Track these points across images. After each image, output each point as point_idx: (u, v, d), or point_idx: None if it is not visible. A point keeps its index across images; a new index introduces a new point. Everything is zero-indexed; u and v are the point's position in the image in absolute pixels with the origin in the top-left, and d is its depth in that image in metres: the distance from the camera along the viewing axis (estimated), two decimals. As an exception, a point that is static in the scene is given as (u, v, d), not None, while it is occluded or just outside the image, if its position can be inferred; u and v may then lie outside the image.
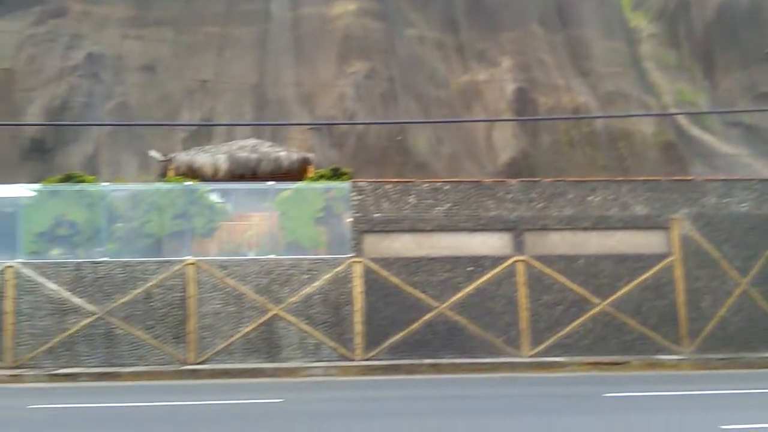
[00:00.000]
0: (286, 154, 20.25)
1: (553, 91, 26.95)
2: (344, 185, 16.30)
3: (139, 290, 14.73)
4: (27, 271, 14.67)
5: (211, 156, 19.88)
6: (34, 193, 15.97)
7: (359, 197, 15.75)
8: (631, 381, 12.81)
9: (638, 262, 15.53)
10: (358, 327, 14.92)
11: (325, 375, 14.10)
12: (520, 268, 15.41)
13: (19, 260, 14.94)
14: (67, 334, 14.46)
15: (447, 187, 16.00)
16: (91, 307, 14.57)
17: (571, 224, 15.78)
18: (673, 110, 26.24)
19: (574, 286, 15.32)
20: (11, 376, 13.76)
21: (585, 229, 15.79)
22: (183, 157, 19.97)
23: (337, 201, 16.26)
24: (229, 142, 21.83)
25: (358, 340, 14.88)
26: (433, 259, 15.48)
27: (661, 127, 26.03)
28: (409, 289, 15.20)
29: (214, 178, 19.11)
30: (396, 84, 27.16)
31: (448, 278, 15.36)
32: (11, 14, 27.10)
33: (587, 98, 26.85)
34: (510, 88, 26.83)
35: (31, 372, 13.95)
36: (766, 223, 15.86)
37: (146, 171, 22.75)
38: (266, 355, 14.69)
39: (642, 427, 8.58)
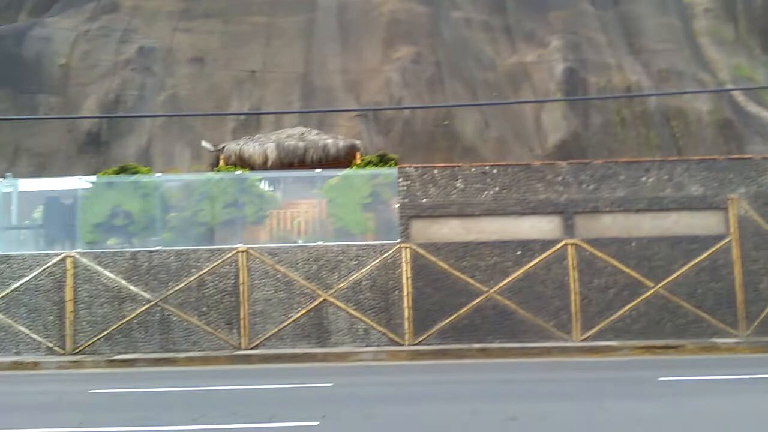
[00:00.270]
0: (333, 142, 20.37)
1: (603, 70, 26.29)
2: (391, 171, 16.32)
3: (192, 278, 15.09)
4: (85, 261, 15.19)
5: (260, 145, 20.15)
6: (90, 185, 16.51)
7: (406, 183, 15.74)
8: (686, 365, 12.52)
9: (693, 243, 15.11)
10: (407, 312, 14.97)
11: (374, 360, 14.21)
12: (571, 252, 15.19)
13: (78, 250, 15.47)
14: (124, 321, 14.95)
15: (495, 171, 15.86)
16: (146, 295, 15.02)
17: (624, 206, 15.45)
18: (729, 87, 25.31)
19: (627, 269, 15.02)
20: (72, 362, 14.32)
21: (638, 210, 15.44)
22: (233, 147, 20.31)
23: (384, 187, 16.29)
24: (278, 131, 22.09)
25: (407, 326, 14.94)
26: (481, 243, 15.39)
27: (717, 105, 25.13)
28: (457, 273, 15.15)
29: (263, 166, 19.38)
30: (442, 68, 26.92)
31: (496, 263, 15.25)
32: (66, 11, 27.92)
33: (639, 76, 26.09)
34: (559, 68, 26.28)
35: (91, 358, 14.48)
36: (830, 202, 15.22)
37: (198, 161, 23.21)
38: (316, 340, 14.90)
39: (700, 412, 8.39)
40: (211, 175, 17.22)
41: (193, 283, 15.08)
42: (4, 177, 17.59)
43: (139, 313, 14.95)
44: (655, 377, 11.00)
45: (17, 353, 14.85)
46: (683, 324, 14.83)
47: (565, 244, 15.23)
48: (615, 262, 15.07)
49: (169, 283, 15.07)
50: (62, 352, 14.87)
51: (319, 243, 15.63)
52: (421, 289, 15.10)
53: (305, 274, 15.15)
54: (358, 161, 19.45)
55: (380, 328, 14.95)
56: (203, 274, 15.12)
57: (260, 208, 16.59)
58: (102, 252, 15.39)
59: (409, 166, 16.22)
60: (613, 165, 15.84)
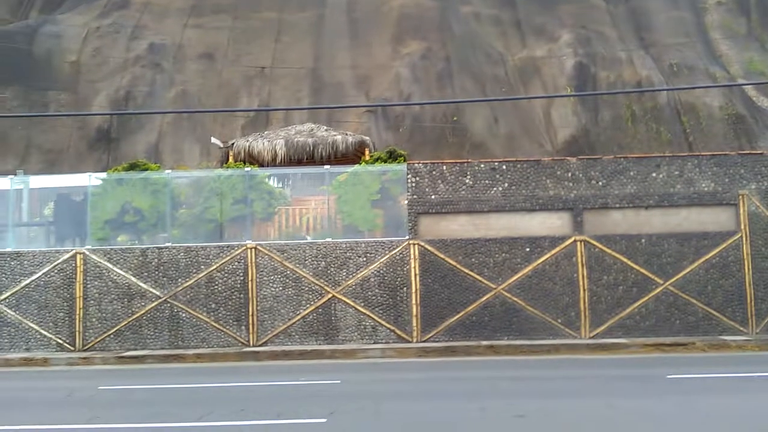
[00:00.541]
0: (342, 138, 20.33)
1: (614, 65, 26.12)
2: (400, 167, 16.29)
3: (201, 274, 15.16)
4: (95, 257, 15.29)
5: (269, 142, 20.16)
6: (100, 182, 16.59)
7: (415, 179, 15.72)
8: (695, 362, 12.46)
9: (704, 240, 15.01)
10: (415, 309, 14.98)
11: (382, 356, 14.23)
12: (580, 248, 15.13)
13: (88, 247, 15.57)
14: (133, 317, 15.04)
15: (504, 167, 15.81)
16: (156, 292, 15.10)
17: (634, 202, 15.36)
18: (741, 81, 25.07)
19: (636, 266, 14.94)
20: (81, 358, 14.43)
21: (648, 207, 15.35)
22: (242, 144, 20.32)
23: (393, 183, 16.27)
24: (287, 127, 22.09)
25: (415, 322, 14.95)
26: (490, 240, 15.35)
27: (728, 99, 24.91)
28: (466, 270, 15.13)
29: (272, 163, 19.39)
30: (452, 63, 26.85)
31: (505, 259, 15.22)
32: (77, 9, 28.06)
33: (650, 71, 25.90)
34: (569, 63, 26.15)
35: (100, 354, 14.59)
36: (842, 198, 15.07)
37: (207, 158, 23.29)
38: (324, 336, 14.94)
39: (708, 410, 8.35)
40: (220, 171, 17.26)
41: (202, 279, 15.15)
42: (15, 174, 17.72)
43: (149, 309, 15.04)
44: (664, 375, 10.96)
45: (27, 349, 14.99)
46: (693, 321, 14.74)
47: (575, 241, 15.17)
48: (624, 259, 15.00)
49: (179, 280, 15.15)
50: (72, 348, 14.99)
51: (328, 239, 15.65)
52: (429, 285, 15.09)
53: (314, 270, 15.17)
54: (367, 157, 19.40)
55: (388, 325, 14.97)
56: (212, 270, 15.18)
57: (269, 205, 16.62)
58: (112, 249, 15.48)
59: (418, 163, 16.20)
60: (623, 161, 15.75)
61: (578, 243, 15.14)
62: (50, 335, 15.07)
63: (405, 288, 15.08)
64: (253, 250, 15.28)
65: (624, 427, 7.65)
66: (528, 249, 15.24)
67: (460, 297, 15.02)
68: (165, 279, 15.16)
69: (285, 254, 15.28)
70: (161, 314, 15.03)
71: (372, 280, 15.14)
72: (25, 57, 25.39)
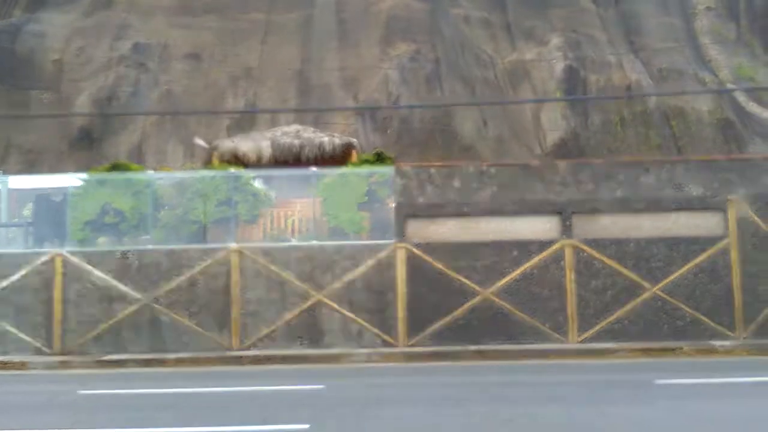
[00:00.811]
0: (329, 140, 20.15)
1: (604, 69, 26.08)
2: (387, 170, 16.09)
3: (183, 277, 14.86)
4: (75, 260, 14.95)
5: (254, 142, 19.93)
6: (81, 182, 16.27)
7: (403, 182, 15.52)
8: (683, 368, 12.31)
9: (693, 245, 14.89)
10: (401, 313, 14.74)
11: (367, 361, 13.99)
12: (568, 253, 14.96)
13: (68, 249, 15.23)
14: (113, 321, 14.70)
15: (493, 171, 15.64)
16: (136, 295, 14.78)
17: (623, 207, 15.22)
18: (730, 86, 25.08)
19: (625, 271, 14.80)
20: (60, 362, 14.09)
21: (637, 211, 15.21)
22: (227, 144, 20.09)
23: (380, 186, 16.07)
24: (273, 129, 21.86)
25: (401, 327, 14.71)
26: (478, 243, 15.16)
27: (718, 104, 24.92)
28: (453, 274, 14.93)
29: (257, 164, 19.16)
30: (441, 66, 26.69)
31: (493, 263, 15.02)
32: (61, 7, 27.67)
33: (640, 75, 25.88)
34: (559, 66, 26.08)
35: (79, 358, 14.25)
36: (831, 203, 15.00)
37: (192, 159, 22.99)
38: (309, 341, 14.67)
39: (697, 416, 8.18)
40: (204, 172, 16.99)
41: (184, 282, 14.85)
42: (-6, 174, 17.35)
43: (129, 313, 14.71)
44: (652, 380, 10.80)
45: (4, 353, 14.61)
46: (681, 326, 14.61)
47: (563, 245, 15.00)
48: (613, 264, 14.85)
49: (160, 283, 14.83)
50: (50, 352, 14.64)
51: (314, 242, 15.41)
52: (416, 289, 14.87)
53: (299, 274, 14.91)
54: (354, 159, 19.23)
55: (374, 329, 14.72)
56: (195, 273, 14.89)
57: (254, 207, 16.37)
58: (92, 251, 15.15)
59: (406, 165, 16.01)
60: (612, 165, 15.63)
61: (567, 247, 14.98)
62: (28, 339, 14.70)
63: (391, 292, 14.85)
64: (237, 252, 15.00)
65: (613, 436, 7.46)
66: (516, 253, 15.06)
67: (448, 301, 14.80)
68: (146, 282, 14.84)
69: (270, 257, 15.02)
70: (142, 318, 14.71)
71: (358, 283, 14.90)
72: (8, 56, 25.00)
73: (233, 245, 15.16)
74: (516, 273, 14.91)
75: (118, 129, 24.07)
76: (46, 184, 17.22)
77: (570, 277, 14.86)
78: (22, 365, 13.98)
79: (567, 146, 23.83)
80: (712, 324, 14.61)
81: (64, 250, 15.10)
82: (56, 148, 23.33)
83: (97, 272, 14.87)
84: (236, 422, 8.30)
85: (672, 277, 14.74)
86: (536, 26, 28.12)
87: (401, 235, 15.20)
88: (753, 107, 25.34)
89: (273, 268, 14.92)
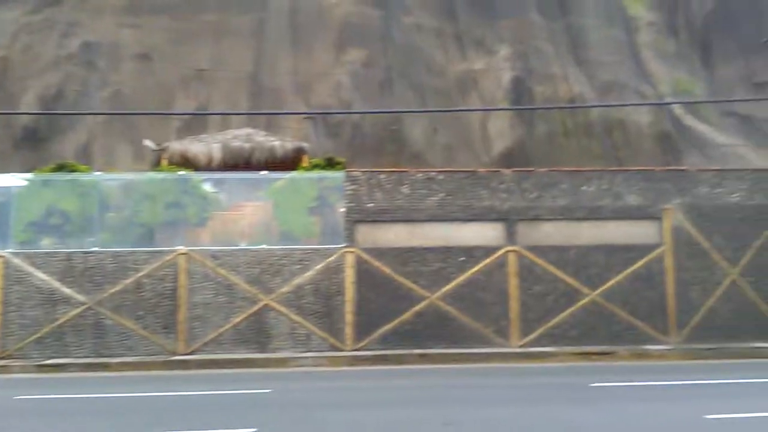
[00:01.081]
0: (280, 144, 20.22)
1: (549, 80, 26.83)
2: (338, 175, 16.27)
3: (129, 280, 14.74)
4: (17, 261, 14.68)
5: (205, 145, 19.85)
6: (26, 183, 15.98)
7: (353, 187, 15.72)
8: (618, 371, 12.82)
9: (630, 252, 15.50)
10: (349, 317, 14.94)
11: (314, 365, 14.13)
12: (512, 259, 15.39)
13: (10, 250, 14.95)
14: (56, 324, 14.48)
15: (441, 177, 15.97)
16: (80, 297, 14.59)
17: (564, 214, 15.74)
18: (669, 99, 26.09)
19: (565, 277, 15.31)
20: (-1, 366, 13.82)
21: (578, 219, 15.75)
22: (177, 147, 19.95)
23: (330, 191, 16.23)
24: (224, 132, 21.80)
25: (349, 331, 14.90)
26: (425, 249, 15.46)
27: (656, 117, 25.92)
28: (401, 279, 15.20)
29: (207, 167, 19.09)
30: (393, 73, 27.06)
31: (439, 268, 15.35)
32: (7, 3, 27.01)
33: (583, 87, 26.72)
34: (507, 77, 26.72)
35: (19, 363, 13.99)
36: (756, 214, 15.82)
37: (140, 160, 22.74)
38: (256, 345, 14.72)
39: (627, 417, 8.60)
40: (152, 174, 16.88)
41: (130, 285, 14.73)
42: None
43: (73, 316, 14.51)
44: (588, 383, 11.24)
45: (-58, 357, 14.24)
46: (617, 331, 15.19)
47: (507, 251, 15.43)
48: (554, 270, 15.34)
49: (105, 286, 14.68)
50: (-10, 355, 14.32)
51: (263, 246, 15.47)
52: (364, 294, 15.08)
53: (247, 277, 14.96)
54: (305, 164, 19.34)
55: (322, 334, 14.87)
56: (141, 276, 14.79)
57: (203, 210, 16.34)
58: (35, 252, 14.90)
59: (356, 170, 16.20)
60: (555, 174, 16.13)
61: (510, 253, 15.41)
62: (-34, 342, 14.36)
63: (339, 296, 15.03)
64: (184, 256, 14.97)
65: (546, 436, 7.80)
66: (462, 258, 15.42)
67: (395, 305, 15.06)
68: (90, 284, 14.67)
69: (218, 261, 15.03)
70: (85, 321, 14.53)
71: (307, 287, 15.04)
72: (-50, 51, 24.30)
73: (181, 248, 15.12)
74: (462, 278, 15.27)
75: (65, 128, 23.65)
76: (-12, 184, 16.84)
77: (513, 282, 15.30)
78: (-41, 369, 13.65)
79: (513, 155, 24.42)
80: (648, 329, 15.24)
81: (6, 251, 14.82)
82: (0, 147, 22.78)
83: (41, 274, 14.64)
84: (180, 427, 8.28)
85: (610, 284, 15.32)
86: (486, 36, 28.73)
87: (350, 239, 15.40)
88: (690, 120, 26.42)
89: (221, 271, 14.94)
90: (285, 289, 14.97)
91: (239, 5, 28.71)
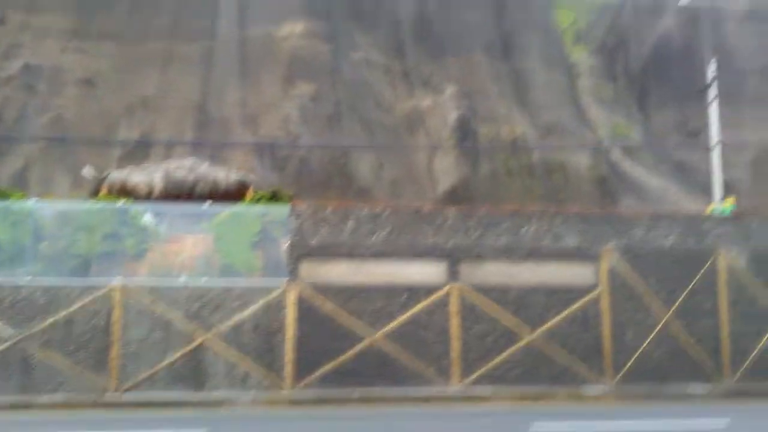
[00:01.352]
0: (224, 175, 20.02)
1: (494, 121, 27.45)
2: (283, 209, 16.16)
3: (61, 314, 14.20)
4: (-59, 293, 14.00)
5: (146, 175, 19.50)
6: (-46, 210, 15.33)
7: (298, 221, 15.60)
8: (557, 413, 12.96)
9: (568, 293, 15.80)
10: (289, 356, 14.71)
11: (252, 405, 13.83)
12: (454, 298, 15.49)
13: (-66, 281, 14.25)
14: (-20, 360, 13.81)
15: (386, 214, 16.01)
16: (8, 332, 13.97)
17: (506, 254, 15.96)
18: (608, 144, 27.02)
19: (506, 317, 15.48)
20: None
21: (519, 259, 15.99)
22: (117, 175, 19.54)
23: (274, 225, 16.10)
24: (167, 161, 21.46)
25: (289, 369, 14.66)
26: (369, 286, 15.40)
27: (595, 161, 26.76)
28: (344, 316, 15.09)
29: (148, 197, 18.73)
30: (341, 107, 27.23)
31: (382, 306, 15.31)
32: (-57, 21, 26.18)
33: (526, 129, 27.42)
34: (453, 115, 27.20)
35: (-61, 401, 13.26)
36: (689, 258, 16.38)
37: (79, 188, 22.12)
38: (193, 383, 14.31)
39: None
40: (91, 204, 16.44)
41: (62, 319, 14.19)
42: None
43: (-1, 351, 13.87)
44: (528, 426, 11.30)
45: None
46: (556, 372, 15.38)
47: (450, 290, 15.52)
48: (495, 309, 15.50)
49: (35, 320, 14.10)
50: None
51: (203, 281, 15.16)
52: (305, 331, 14.89)
53: (185, 313, 14.61)
54: (250, 197, 19.18)
55: (261, 372, 14.59)
56: (74, 310, 14.26)
57: (142, 242, 15.96)
58: (-39, 284, 14.24)
59: (302, 205, 16.11)
60: (497, 213, 16.38)
61: (453, 292, 15.51)
62: None
63: (281, 333, 14.81)
64: (120, 289, 14.53)
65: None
66: (405, 297, 15.42)
67: (336, 344, 14.91)
68: (20, 318, 14.07)
69: (155, 295, 14.64)
70: (12, 357, 13.87)
71: (246, 324, 14.77)
72: None
73: (117, 281, 14.69)
74: (404, 317, 15.25)
75: (1, 153, 22.87)
76: None
77: (455, 321, 15.37)
78: None
79: (458, 193, 24.77)
80: (585, 371, 15.48)
81: (-71, 283, 14.12)
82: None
83: (-35, 307, 13.97)
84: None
85: (549, 324, 15.55)
86: (433, 75, 29.27)
87: (293, 275, 15.24)
88: (627, 164, 27.35)
89: (158, 306, 14.56)
90: (224, 325, 14.67)
91: (188, 34, 28.55)
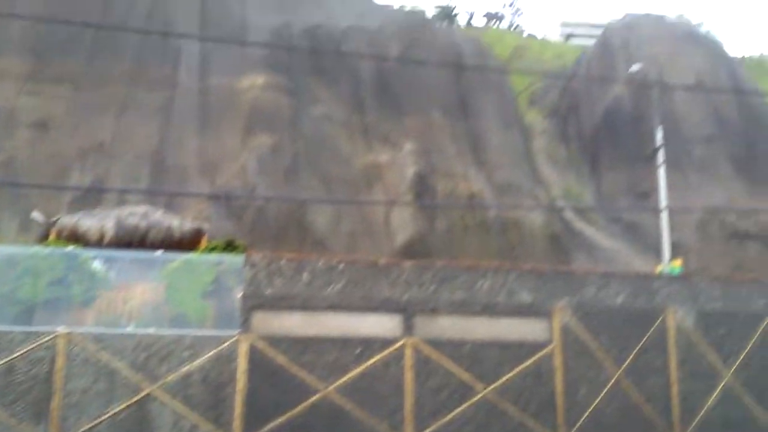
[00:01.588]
0: (178, 223, 19.79)
1: (450, 178, 27.95)
2: (237, 258, 15.99)
3: (1, 362, 13.60)
4: None
5: (97, 221, 19.14)
6: None
7: (252, 272, 15.39)
8: (509, 471, 12.84)
9: (521, 349, 15.86)
10: (239, 409, 14.30)
11: (198, 460, 13.34)
12: (409, 352, 15.38)
13: None
14: None
15: (342, 266, 15.94)
16: (-59, 380, 13.30)
17: (461, 309, 16.00)
18: (560, 203, 27.70)
19: (460, 372, 15.41)
20: None
21: (474, 314, 16.03)
22: (67, 221, 19.13)
23: (228, 274, 15.91)
24: (120, 208, 21.14)
25: (238, 423, 14.23)
26: (323, 339, 15.20)
27: (549, 219, 27.35)
28: (296, 369, 14.80)
29: (99, 244, 18.35)
30: (300, 159, 27.38)
31: (336, 359, 15.08)
32: None
33: (482, 186, 27.96)
34: (410, 171, 27.61)
35: None
36: (640, 316, 16.68)
37: (27, 233, 21.54)
38: (136, 437, 13.77)
39: None
40: (38, 248, 15.99)
41: (2, 367, 13.57)
42: None
43: (-70, 400, 13.16)
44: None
45: None
46: (510, 428, 15.29)
47: (404, 344, 15.42)
48: (449, 364, 15.43)
49: (-28, 368, 13.46)
50: None
51: (151, 330, 14.76)
52: (256, 384, 14.54)
53: (131, 363, 14.13)
54: (204, 246, 18.95)
55: (208, 426, 14.13)
56: (15, 358, 13.67)
57: (90, 289, 15.56)
58: None
59: (256, 255, 15.94)
60: (453, 268, 16.48)
61: (407, 346, 15.42)
62: None
63: (230, 386, 14.41)
64: (64, 337, 14.02)
65: None
66: (359, 350, 15.25)
67: (288, 397, 14.58)
68: (-45, 366, 13.42)
69: (101, 344, 14.16)
70: (-56, 407, 13.18)
71: (195, 376, 14.35)
72: None
73: (61, 329, 14.18)
74: (358, 371, 15.05)
75: (-56, 195, 22.22)
76: None
77: (409, 376, 15.23)
78: None
79: (414, 247, 24.94)
80: (538, 427, 15.44)
81: None
82: None
83: None
84: None
85: (502, 380, 15.53)
86: (391, 131, 29.80)
87: (246, 326, 14.96)
88: (579, 224, 28.02)
89: (103, 355, 14.07)
90: (171, 377, 14.23)
91: (148, 81, 28.57)
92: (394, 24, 33.03)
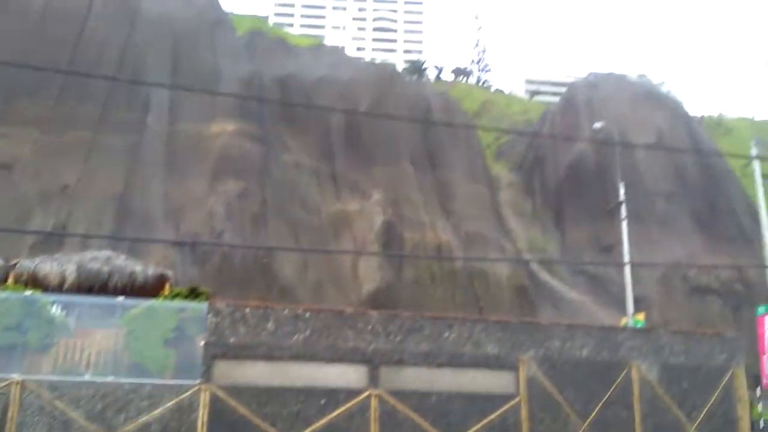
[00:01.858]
0: (141, 269, 19.41)
1: (418, 228, 28.12)
2: (200, 306, 15.69)
3: (-52, 411, 13.04)
4: None
5: (58, 265, 18.68)
6: None
7: (215, 319, 15.12)
8: None
9: (487, 401, 15.74)
10: (198, 461, 13.87)
11: None
12: (374, 403, 15.16)
13: None
14: None
15: (307, 315, 15.75)
16: None
17: (427, 360, 15.88)
18: (526, 255, 28.00)
19: (425, 424, 15.20)
20: None
21: (439, 365, 15.91)
22: (27, 265, 18.65)
23: (191, 322, 15.58)
24: (82, 252, 20.71)
25: (196, 477, 13.78)
26: (286, 389, 14.91)
27: (515, 271, 27.59)
28: (258, 420, 14.45)
29: (59, 289, 17.88)
30: (268, 206, 27.32)
31: (300, 410, 14.78)
32: None
33: (450, 237, 28.17)
34: (378, 220, 27.73)
35: None
36: (604, 369, 16.75)
37: (-17, 276, 20.93)
38: (89, 491, 13.22)
39: None
40: (-6, 293, 15.53)
41: (-51, 417, 13.01)
42: None
43: None
44: None
45: None
46: (474, 482, 15.07)
47: (369, 395, 15.21)
48: (415, 417, 15.23)
49: None
50: None
51: (109, 379, 14.32)
52: (216, 435, 14.14)
53: (87, 413, 13.65)
54: (167, 292, 18.59)
55: (165, 479, 13.64)
56: (-37, 407, 13.13)
57: (48, 335, 15.06)
58: None
59: (220, 302, 15.69)
60: (419, 318, 16.40)
61: (373, 397, 15.20)
62: None
63: (190, 437, 13.99)
64: (18, 385, 13.52)
65: None
66: (324, 401, 14.98)
67: (249, 450, 14.19)
68: None
69: (57, 392, 13.68)
70: None
71: (154, 426, 13.91)
72: None
73: (15, 376, 13.68)
74: (321, 422, 14.75)
75: None
76: None
77: (374, 428, 14.97)
78: None
79: (381, 296, 24.85)
80: (503, 480, 15.24)
81: None
82: None
83: None
84: None
85: (468, 433, 15.36)
86: (361, 180, 30.01)
87: (208, 376, 14.62)
88: (545, 276, 28.29)
89: (59, 404, 13.58)
90: (129, 427, 13.76)
91: (116, 125, 28.45)
92: (364, 76, 33.65)
